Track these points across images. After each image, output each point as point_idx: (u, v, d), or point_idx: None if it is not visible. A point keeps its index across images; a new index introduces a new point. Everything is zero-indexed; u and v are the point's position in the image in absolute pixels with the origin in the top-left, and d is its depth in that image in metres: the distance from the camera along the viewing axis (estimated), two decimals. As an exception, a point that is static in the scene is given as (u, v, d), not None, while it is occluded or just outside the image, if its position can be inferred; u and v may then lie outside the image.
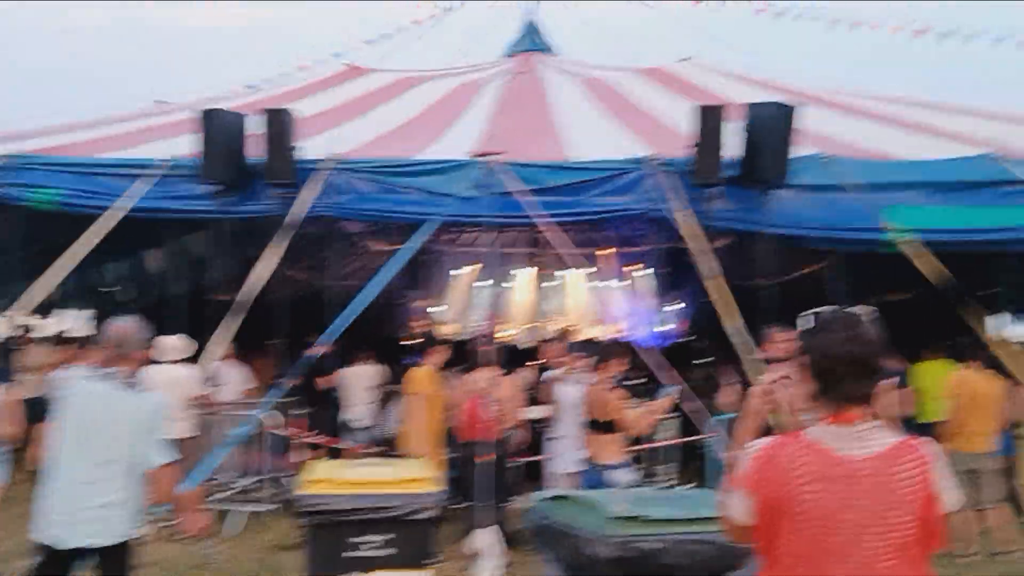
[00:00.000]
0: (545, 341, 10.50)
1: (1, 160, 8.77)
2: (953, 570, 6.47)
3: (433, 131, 10.50)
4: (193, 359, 8.22)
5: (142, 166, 8.79)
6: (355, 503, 4.64)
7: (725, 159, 8.26)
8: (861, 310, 2.30)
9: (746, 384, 7.18)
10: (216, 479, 8.72)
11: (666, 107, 11.50)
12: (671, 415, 8.43)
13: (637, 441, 7.35)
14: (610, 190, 8.61)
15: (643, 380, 10.28)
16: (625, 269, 20.39)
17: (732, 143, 8.32)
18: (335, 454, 8.82)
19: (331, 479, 4.80)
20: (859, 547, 2.16)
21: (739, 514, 2.30)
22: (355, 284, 15.93)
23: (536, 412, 7.95)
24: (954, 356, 7.64)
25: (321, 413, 9.22)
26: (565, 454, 6.85)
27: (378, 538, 4.67)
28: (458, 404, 7.62)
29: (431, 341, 7.82)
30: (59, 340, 11.77)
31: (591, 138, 10.09)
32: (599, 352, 6.40)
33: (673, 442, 9.09)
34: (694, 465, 10.08)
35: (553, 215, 8.53)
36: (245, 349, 10.66)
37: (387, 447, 9.16)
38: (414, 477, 4.88)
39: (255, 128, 8.58)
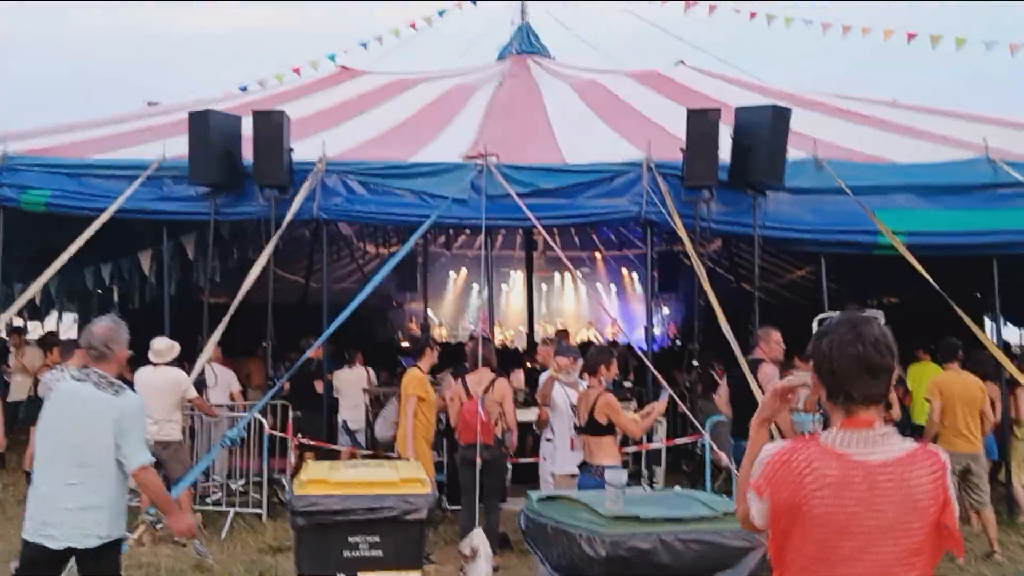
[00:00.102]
0: (538, 343, 10.49)
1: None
2: (944, 572, 6.49)
3: (427, 133, 10.51)
4: (184, 361, 8.19)
5: (133, 168, 8.77)
6: (347, 504, 4.62)
7: (718, 162, 8.27)
8: (873, 314, 2.30)
9: (739, 385, 7.21)
10: (208, 481, 8.70)
11: (659, 110, 11.52)
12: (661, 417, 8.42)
13: (625, 443, 7.35)
14: (603, 193, 8.63)
15: (634, 382, 10.32)
16: (619, 271, 20.49)
17: (725, 147, 8.34)
18: (328, 456, 8.80)
19: (323, 480, 4.78)
20: (871, 553, 2.15)
21: (756, 516, 2.28)
22: (348, 286, 16.05)
23: (529, 414, 7.94)
24: (939, 358, 7.67)
25: (312, 415, 9.18)
26: (558, 455, 6.84)
27: (370, 539, 4.65)
28: (452, 406, 7.60)
29: (424, 343, 7.79)
30: (48, 342, 11.73)
31: (584, 141, 10.11)
32: (593, 355, 6.39)
33: (665, 444, 9.09)
34: (685, 466, 10.11)
35: (546, 218, 8.54)
36: (237, 351, 10.64)
37: (380, 449, 9.14)
38: (406, 478, 4.87)
39: (248, 130, 8.57)
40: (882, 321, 2.27)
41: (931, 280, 7.57)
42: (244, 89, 15.09)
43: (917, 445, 2.24)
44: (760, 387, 6.81)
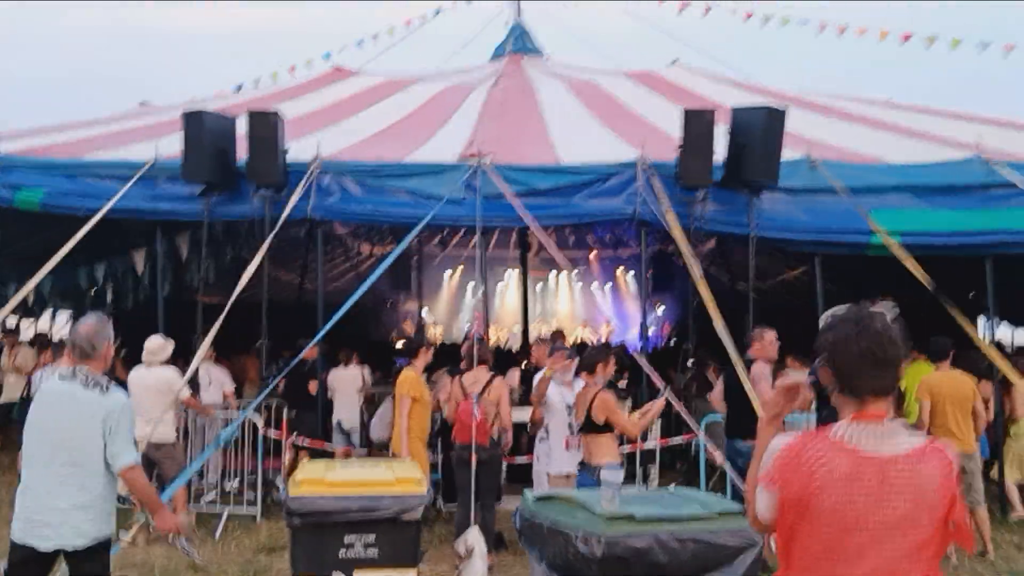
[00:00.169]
0: (533, 343, 10.49)
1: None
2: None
3: (422, 133, 10.50)
4: (178, 360, 8.17)
5: (127, 167, 8.75)
6: (343, 504, 4.61)
7: (713, 162, 8.28)
8: (883, 306, 2.29)
9: (734, 385, 7.22)
10: (202, 481, 8.68)
11: (655, 110, 11.53)
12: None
13: (620, 442, 7.35)
14: (599, 193, 8.63)
15: (628, 382, 10.32)
16: (614, 271, 20.49)
17: (720, 147, 8.35)
18: (322, 456, 8.78)
19: (319, 480, 4.77)
20: (880, 547, 2.15)
21: (764, 510, 2.28)
22: (342, 286, 16.02)
23: (523, 414, 7.94)
24: (930, 358, 7.69)
25: (307, 415, 9.17)
26: (554, 455, 6.84)
27: (366, 539, 4.65)
28: (450, 406, 7.60)
29: (419, 343, 7.79)
30: (41, 342, 11.69)
31: (580, 141, 10.11)
32: (590, 355, 6.40)
33: (660, 443, 9.10)
34: (679, 465, 10.12)
35: (541, 218, 8.53)
36: (231, 351, 10.62)
37: (375, 449, 9.13)
38: (402, 478, 4.86)
39: (242, 130, 8.55)
40: (893, 314, 2.26)
41: (926, 280, 7.59)
42: (239, 88, 15.06)
43: (926, 440, 2.24)
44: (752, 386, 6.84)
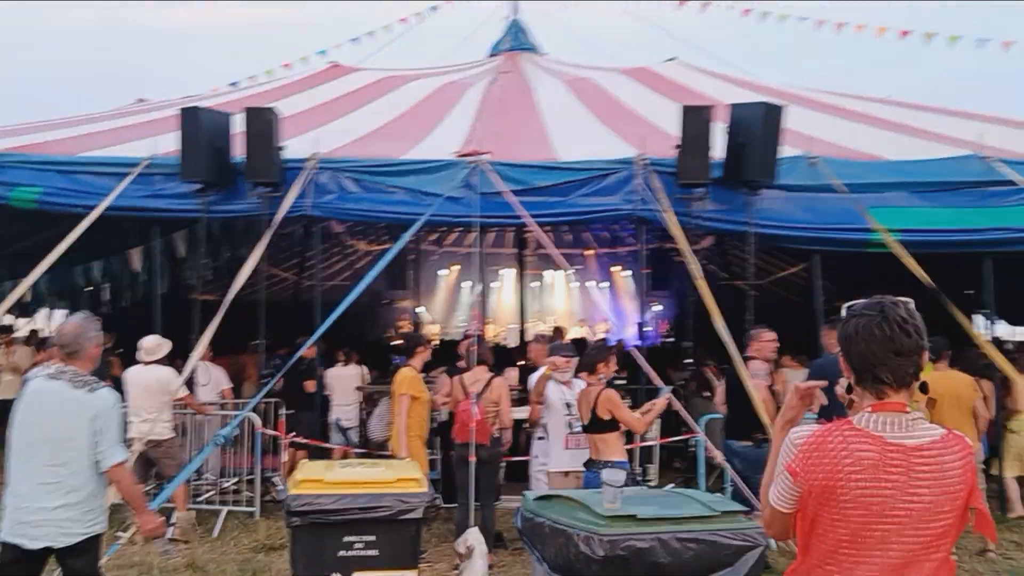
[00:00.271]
0: (531, 341, 10.47)
1: (-20, 158, 8.67)
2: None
3: (419, 130, 10.47)
4: (176, 359, 8.15)
5: (124, 164, 8.71)
6: (343, 503, 4.60)
7: (711, 160, 8.27)
8: (902, 300, 2.29)
9: (733, 384, 7.21)
10: (200, 479, 8.66)
11: (652, 107, 11.51)
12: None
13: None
14: (596, 190, 8.61)
15: (627, 380, 10.31)
16: (611, 269, 20.47)
17: (719, 144, 8.33)
18: (320, 455, 8.77)
19: (319, 480, 4.75)
20: (903, 535, 2.15)
21: (782, 502, 2.26)
22: (339, 283, 16.00)
23: (521, 412, 7.93)
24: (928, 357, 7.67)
25: (304, 414, 9.16)
26: (553, 453, 6.82)
27: (366, 539, 4.63)
28: (446, 404, 7.58)
29: (416, 341, 7.76)
30: (36, 340, 11.67)
31: (577, 138, 10.09)
32: (591, 353, 6.38)
33: (659, 442, 9.10)
34: (677, 464, 10.12)
35: (539, 215, 8.51)
36: (228, 349, 10.60)
37: (373, 448, 9.11)
38: (401, 477, 4.85)
39: (238, 127, 8.51)
40: (911, 305, 2.26)
41: (925, 277, 7.58)
42: (234, 85, 15.01)
43: (945, 430, 2.24)
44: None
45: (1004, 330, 12.77)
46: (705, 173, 8.26)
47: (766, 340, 7.35)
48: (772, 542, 4.84)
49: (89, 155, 9.17)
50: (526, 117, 11.22)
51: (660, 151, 8.53)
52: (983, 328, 9.07)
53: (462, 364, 7.61)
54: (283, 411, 8.78)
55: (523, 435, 8.60)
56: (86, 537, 4.05)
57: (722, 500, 4.28)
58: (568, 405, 6.61)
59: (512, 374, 9.10)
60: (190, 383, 8.20)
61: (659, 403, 6.25)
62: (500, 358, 10.32)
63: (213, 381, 9.32)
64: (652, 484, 8.66)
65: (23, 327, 13.83)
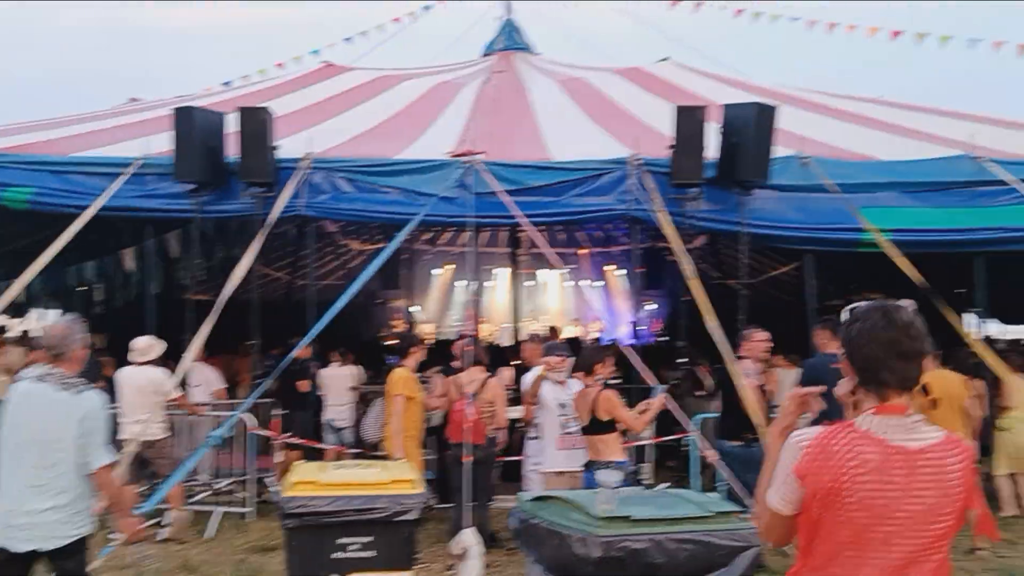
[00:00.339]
0: (525, 340, 10.47)
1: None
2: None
3: (413, 130, 10.47)
4: (167, 360, 8.14)
5: (117, 164, 8.69)
6: (338, 505, 4.60)
7: (705, 160, 8.29)
8: (904, 303, 2.31)
9: (724, 384, 7.24)
10: (194, 480, 8.64)
11: (646, 107, 11.52)
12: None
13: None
14: (590, 190, 8.62)
15: (621, 379, 10.32)
16: (604, 269, 20.50)
17: (712, 144, 8.35)
18: (314, 455, 8.77)
19: (313, 481, 4.75)
20: (905, 537, 2.18)
21: (783, 504, 2.27)
22: (332, 283, 15.98)
23: (515, 412, 7.94)
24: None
25: (297, 414, 9.15)
26: (546, 453, 6.83)
27: (361, 540, 4.63)
28: (440, 405, 7.58)
29: (411, 342, 7.77)
30: (26, 341, 11.60)
31: (571, 138, 10.10)
32: (588, 354, 6.39)
33: (652, 441, 9.12)
34: (669, 463, 10.13)
35: (534, 215, 8.52)
36: (222, 350, 10.58)
37: (367, 448, 9.11)
38: (397, 479, 4.85)
39: (232, 126, 8.50)
40: (913, 308, 2.29)
41: (917, 277, 7.62)
42: (227, 84, 14.98)
43: (945, 432, 2.27)
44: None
45: (995, 328, 12.83)
46: (698, 173, 8.28)
47: (758, 340, 7.39)
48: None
49: (82, 155, 9.14)
50: (520, 117, 11.22)
51: (653, 151, 8.55)
52: (974, 327, 9.12)
53: (457, 364, 7.62)
54: (276, 411, 8.77)
55: (517, 435, 8.61)
56: (74, 539, 4.06)
57: (717, 501, 4.29)
58: (562, 405, 6.62)
59: (507, 374, 9.10)
60: (183, 384, 8.19)
61: (656, 403, 6.28)
62: (494, 357, 10.33)
63: (206, 382, 9.30)
64: (648, 483, 8.67)
65: (15, 327, 13.77)
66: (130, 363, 7.67)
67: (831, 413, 2.51)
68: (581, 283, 20.62)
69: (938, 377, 7.48)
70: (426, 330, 19.95)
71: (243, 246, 8.34)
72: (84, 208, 8.22)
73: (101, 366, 10.52)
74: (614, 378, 9.35)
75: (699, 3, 15.76)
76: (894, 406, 2.23)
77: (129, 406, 7.49)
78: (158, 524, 7.58)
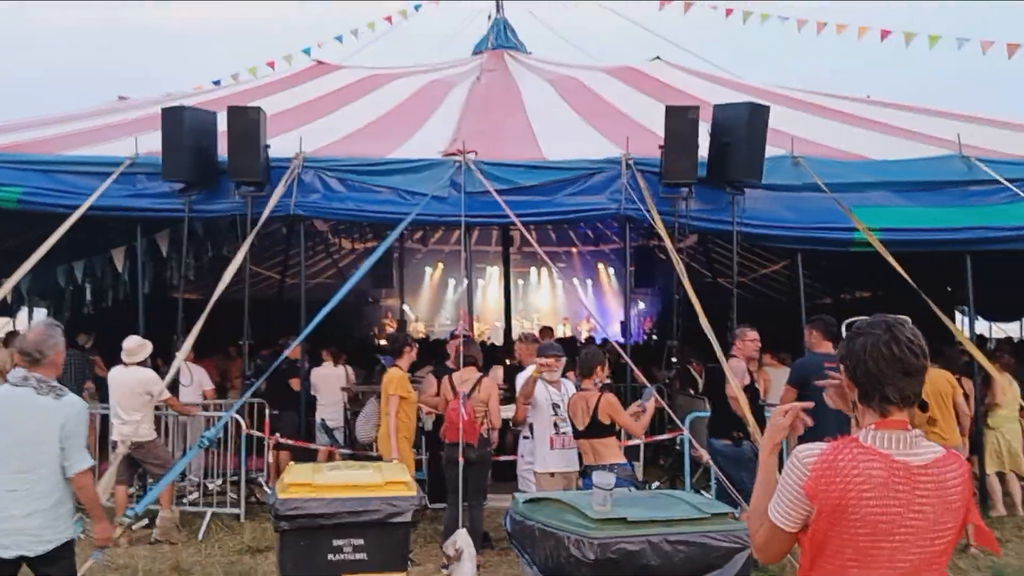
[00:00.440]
0: (517, 340, 10.47)
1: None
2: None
3: (405, 129, 10.43)
4: (158, 360, 8.10)
5: (106, 164, 8.63)
6: (332, 507, 4.58)
7: (696, 159, 8.29)
8: (903, 319, 2.30)
9: (716, 383, 7.25)
10: (184, 481, 8.60)
11: (637, 107, 11.52)
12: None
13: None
14: (582, 190, 8.61)
15: (612, 379, 10.33)
16: (595, 266, 20.53)
17: (704, 143, 8.35)
18: (305, 455, 8.74)
19: (307, 483, 4.73)
20: (908, 552, 2.18)
21: (787, 522, 2.25)
22: (323, 282, 15.93)
23: (507, 411, 7.92)
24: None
25: (288, 414, 9.11)
26: (539, 454, 6.81)
27: (355, 542, 4.62)
28: (433, 404, 7.56)
29: (403, 342, 7.74)
30: (11, 341, 11.51)
31: (562, 137, 10.09)
32: (587, 358, 6.38)
33: (644, 440, 9.12)
34: (661, 461, 10.14)
35: (526, 215, 8.51)
36: (212, 350, 10.53)
37: (359, 448, 9.08)
38: (390, 481, 4.84)
39: (222, 125, 8.45)
40: (910, 323, 2.28)
41: (906, 276, 7.64)
42: (217, 83, 14.92)
43: (944, 448, 2.28)
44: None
45: (984, 327, 12.89)
46: (690, 173, 8.28)
47: (749, 340, 7.41)
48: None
49: (71, 154, 9.08)
50: (511, 116, 11.20)
51: (645, 150, 8.54)
52: (964, 326, 9.15)
53: (450, 364, 7.60)
54: (267, 411, 8.73)
55: (509, 435, 8.61)
56: (59, 544, 4.04)
57: (711, 502, 4.30)
58: (555, 406, 6.61)
59: (498, 373, 9.09)
60: (174, 384, 8.15)
61: (649, 406, 6.27)
62: (486, 356, 10.32)
63: (196, 382, 9.26)
64: (647, 483, 8.68)
65: (1, 328, 13.67)
66: (121, 363, 7.62)
67: (820, 429, 2.49)
68: (572, 281, 20.66)
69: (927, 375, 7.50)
70: (417, 329, 19.96)
71: (233, 245, 8.30)
72: (74, 208, 8.15)
73: (93, 366, 10.48)
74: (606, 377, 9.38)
75: (689, 3, 15.76)
76: (895, 421, 2.23)
77: (119, 406, 7.45)
78: (151, 526, 7.55)
